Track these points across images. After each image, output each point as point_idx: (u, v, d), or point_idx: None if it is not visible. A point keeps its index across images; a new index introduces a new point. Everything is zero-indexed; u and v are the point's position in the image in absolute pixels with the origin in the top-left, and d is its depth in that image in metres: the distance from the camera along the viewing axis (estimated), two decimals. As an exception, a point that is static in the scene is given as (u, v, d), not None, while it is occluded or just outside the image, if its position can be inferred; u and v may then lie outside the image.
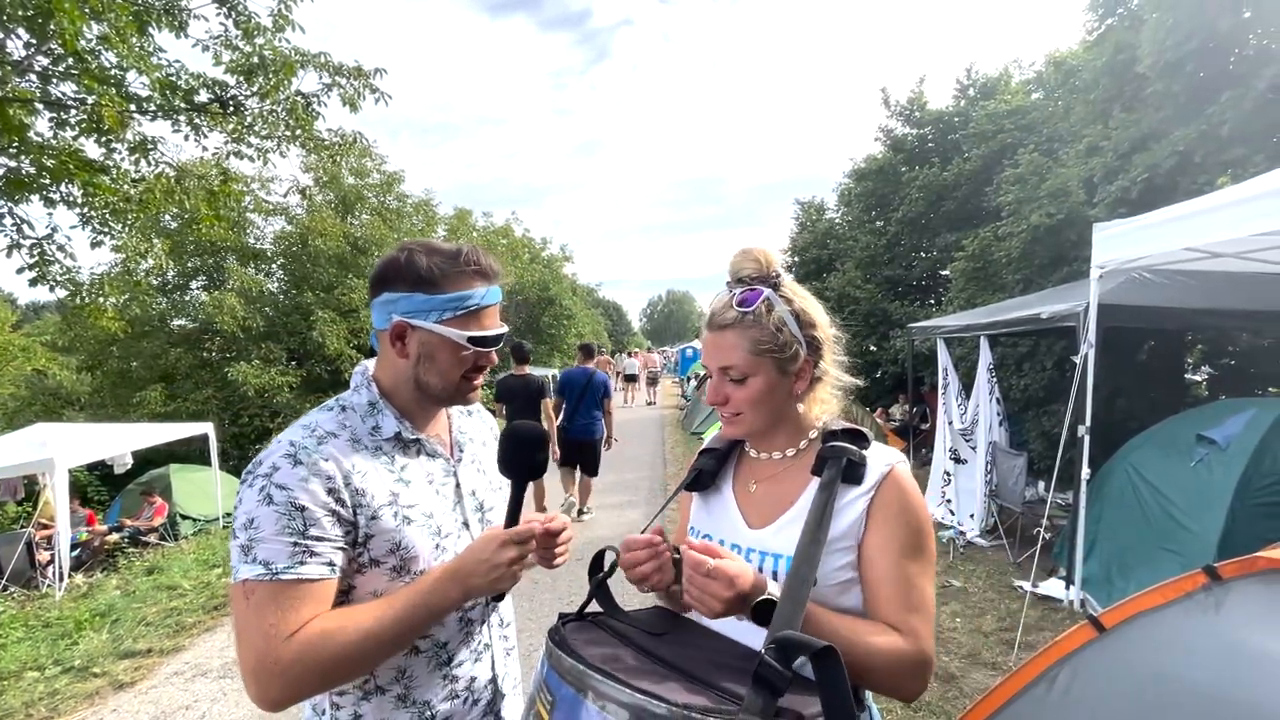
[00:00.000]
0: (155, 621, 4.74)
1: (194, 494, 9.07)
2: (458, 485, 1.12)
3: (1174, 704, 1.47)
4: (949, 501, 6.17)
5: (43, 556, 7.00)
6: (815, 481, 0.97)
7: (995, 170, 9.46)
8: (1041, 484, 6.29)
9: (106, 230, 6.17)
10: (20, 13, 4.62)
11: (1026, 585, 4.22)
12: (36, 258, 5.50)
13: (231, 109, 5.85)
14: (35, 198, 5.31)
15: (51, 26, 4.56)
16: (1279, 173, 2.67)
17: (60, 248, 5.66)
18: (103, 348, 13.89)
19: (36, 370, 16.55)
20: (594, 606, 0.98)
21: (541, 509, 5.87)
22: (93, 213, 5.85)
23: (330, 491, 0.93)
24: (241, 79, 5.79)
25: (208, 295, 14.09)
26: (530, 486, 1.24)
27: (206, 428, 8.87)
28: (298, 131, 6.23)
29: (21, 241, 5.41)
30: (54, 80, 5.25)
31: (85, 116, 5.25)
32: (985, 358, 5.90)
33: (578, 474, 6.71)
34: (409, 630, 0.94)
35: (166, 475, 9.13)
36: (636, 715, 0.71)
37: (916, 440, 8.91)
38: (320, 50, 5.94)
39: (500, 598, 1.10)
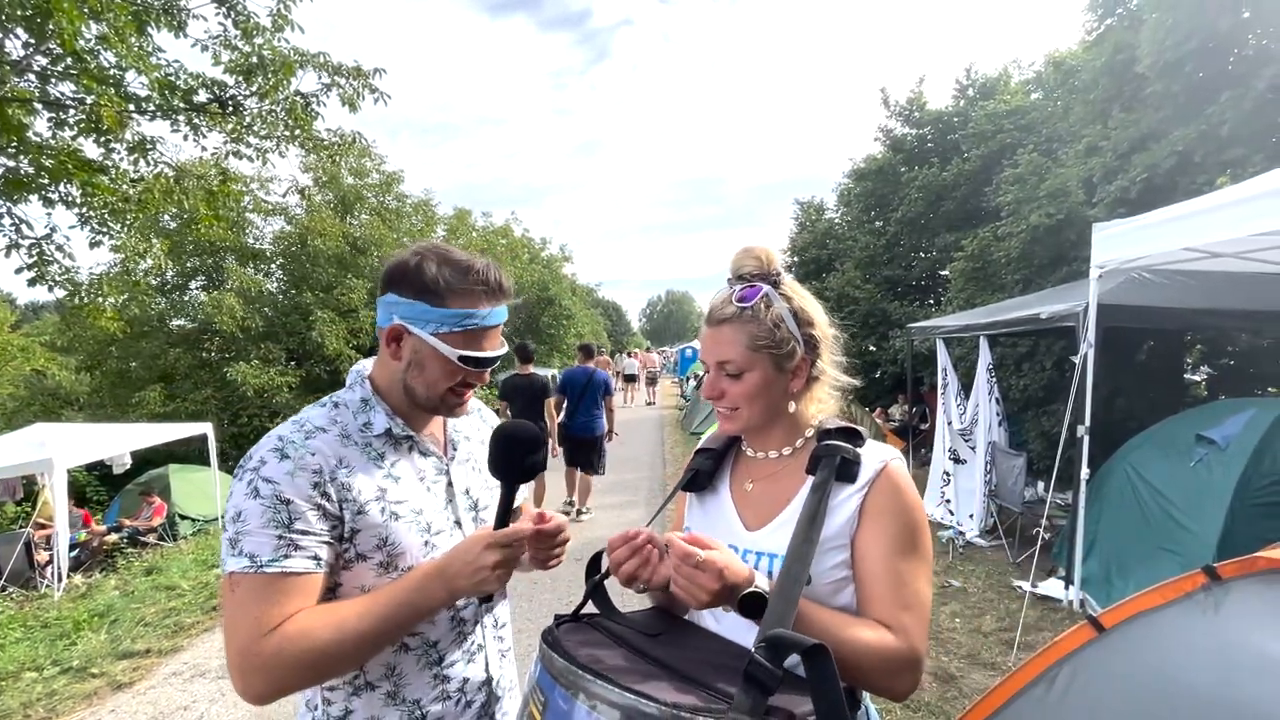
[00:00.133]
0: (154, 622, 4.74)
1: (193, 494, 9.07)
2: (450, 483, 1.12)
3: (1173, 704, 1.47)
4: (948, 502, 6.16)
5: (41, 557, 7.00)
6: (810, 481, 0.97)
7: (995, 170, 9.46)
8: (1041, 484, 6.30)
9: (105, 230, 6.16)
10: (19, 12, 4.61)
11: (1026, 585, 4.22)
12: (35, 258, 5.50)
13: (230, 109, 5.84)
14: (34, 197, 5.30)
15: (50, 26, 4.56)
16: (1278, 173, 2.67)
17: (59, 248, 5.66)
18: (102, 348, 13.87)
19: (35, 370, 16.58)
20: (591, 608, 0.98)
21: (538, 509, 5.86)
22: (91, 213, 5.84)
23: (316, 486, 0.93)
24: (240, 79, 5.79)
25: (207, 295, 14.07)
26: (532, 484, 1.23)
27: (205, 428, 8.86)
28: (297, 131, 6.22)
29: (20, 241, 5.41)
30: (53, 80, 5.24)
31: (84, 116, 5.25)
32: (985, 358, 5.90)
33: (578, 475, 6.72)
34: (395, 627, 0.94)
35: (165, 475, 9.12)
36: (628, 715, 0.71)
37: (916, 440, 8.90)
38: (319, 50, 5.95)
39: (489, 599, 1.09)
